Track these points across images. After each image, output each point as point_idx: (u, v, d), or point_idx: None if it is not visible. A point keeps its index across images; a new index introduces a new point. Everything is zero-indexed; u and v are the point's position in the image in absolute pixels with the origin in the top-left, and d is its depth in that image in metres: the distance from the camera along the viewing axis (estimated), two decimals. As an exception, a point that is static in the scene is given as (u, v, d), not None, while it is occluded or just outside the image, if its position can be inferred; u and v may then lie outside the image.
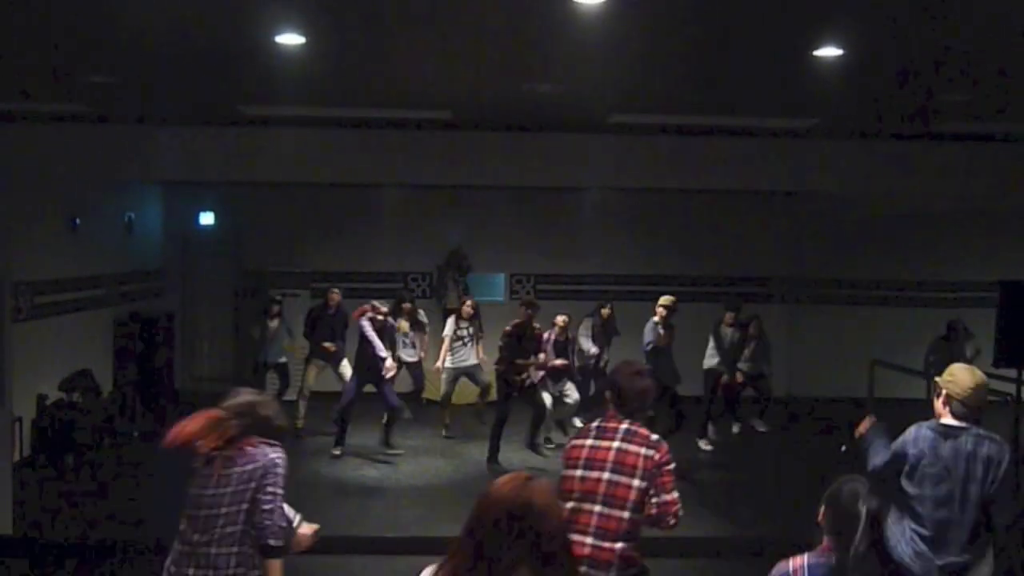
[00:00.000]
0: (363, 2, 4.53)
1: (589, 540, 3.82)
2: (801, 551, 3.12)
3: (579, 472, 3.90)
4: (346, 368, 10.40)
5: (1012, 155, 8.51)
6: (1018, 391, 7.57)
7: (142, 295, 12.23)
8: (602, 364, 10.63)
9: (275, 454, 3.74)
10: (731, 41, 5.16)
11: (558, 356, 9.88)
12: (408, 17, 4.72)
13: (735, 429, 10.99)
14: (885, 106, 7.07)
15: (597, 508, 3.85)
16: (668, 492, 3.89)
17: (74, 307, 10.26)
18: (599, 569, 3.82)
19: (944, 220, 12.51)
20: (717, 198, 12.51)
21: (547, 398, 9.80)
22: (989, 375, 8.10)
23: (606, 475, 3.86)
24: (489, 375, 10.16)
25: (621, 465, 3.87)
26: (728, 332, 10.48)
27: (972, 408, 4.19)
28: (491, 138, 8.37)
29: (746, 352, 10.76)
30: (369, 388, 9.58)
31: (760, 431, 11.16)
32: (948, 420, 4.23)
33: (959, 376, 4.26)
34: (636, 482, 3.85)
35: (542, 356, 9.61)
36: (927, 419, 4.33)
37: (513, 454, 9.45)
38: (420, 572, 2.44)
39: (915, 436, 4.24)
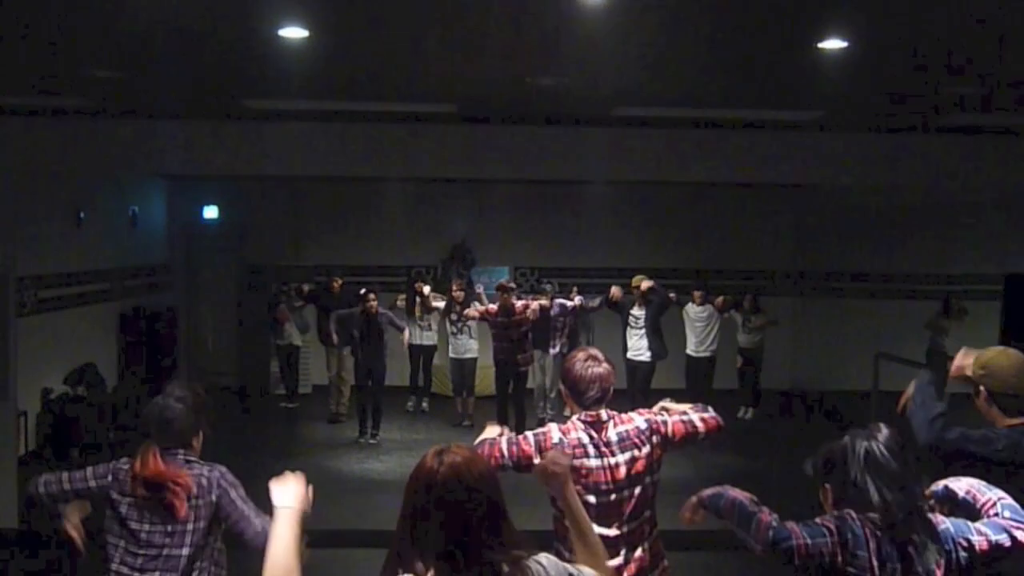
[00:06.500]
0: (366, -5, 4.52)
1: (645, 545, 3.68)
2: None
3: (612, 497, 3.61)
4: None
5: (1017, 147, 8.47)
6: None
7: (146, 289, 12.24)
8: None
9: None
10: (735, 33, 5.14)
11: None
12: (412, 10, 4.71)
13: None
14: (889, 99, 7.05)
15: (647, 513, 3.69)
16: (689, 414, 3.73)
17: (78, 301, 10.28)
18: (654, 568, 3.72)
19: (949, 212, 12.49)
20: (721, 191, 12.49)
21: (536, 374, 10.18)
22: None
23: (637, 489, 3.63)
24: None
25: (640, 474, 3.63)
26: (693, 310, 10.95)
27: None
28: (495, 131, 8.35)
29: (740, 329, 11.35)
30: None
31: (745, 418, 11.34)
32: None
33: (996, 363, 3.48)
34: (656, 476, 3.69)
35: (531, 304, 9.88)
36: None
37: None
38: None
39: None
